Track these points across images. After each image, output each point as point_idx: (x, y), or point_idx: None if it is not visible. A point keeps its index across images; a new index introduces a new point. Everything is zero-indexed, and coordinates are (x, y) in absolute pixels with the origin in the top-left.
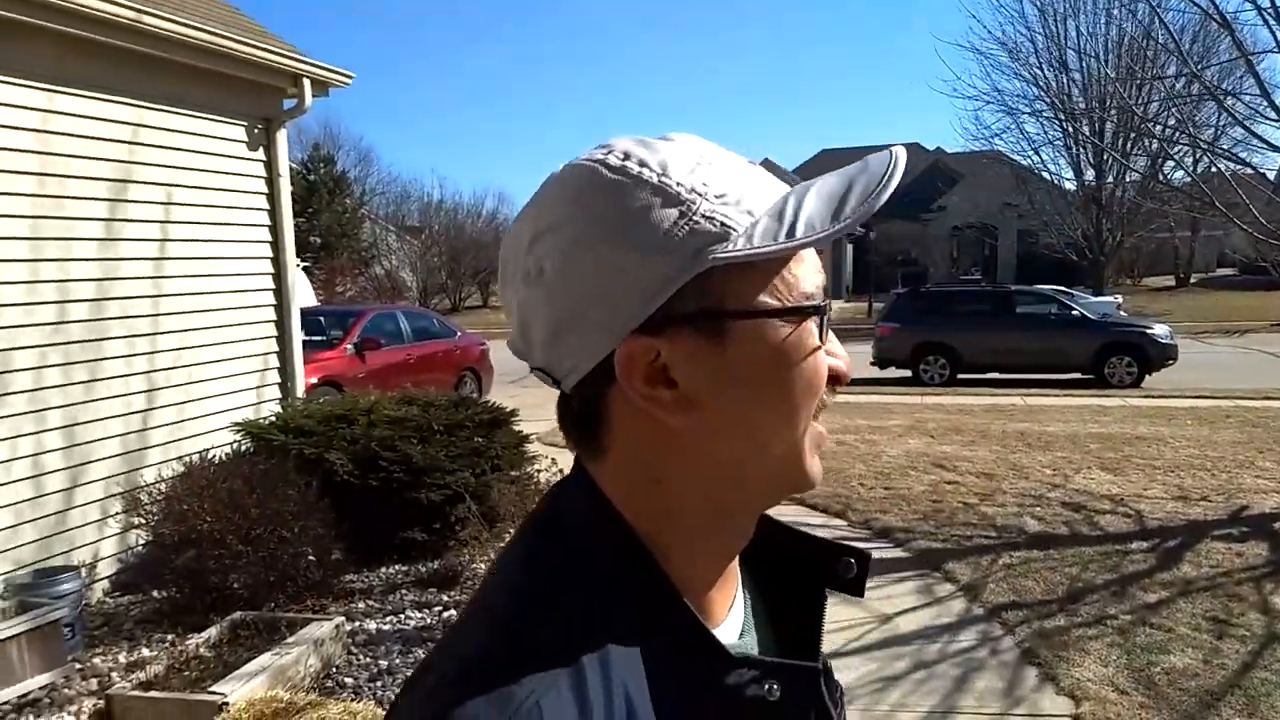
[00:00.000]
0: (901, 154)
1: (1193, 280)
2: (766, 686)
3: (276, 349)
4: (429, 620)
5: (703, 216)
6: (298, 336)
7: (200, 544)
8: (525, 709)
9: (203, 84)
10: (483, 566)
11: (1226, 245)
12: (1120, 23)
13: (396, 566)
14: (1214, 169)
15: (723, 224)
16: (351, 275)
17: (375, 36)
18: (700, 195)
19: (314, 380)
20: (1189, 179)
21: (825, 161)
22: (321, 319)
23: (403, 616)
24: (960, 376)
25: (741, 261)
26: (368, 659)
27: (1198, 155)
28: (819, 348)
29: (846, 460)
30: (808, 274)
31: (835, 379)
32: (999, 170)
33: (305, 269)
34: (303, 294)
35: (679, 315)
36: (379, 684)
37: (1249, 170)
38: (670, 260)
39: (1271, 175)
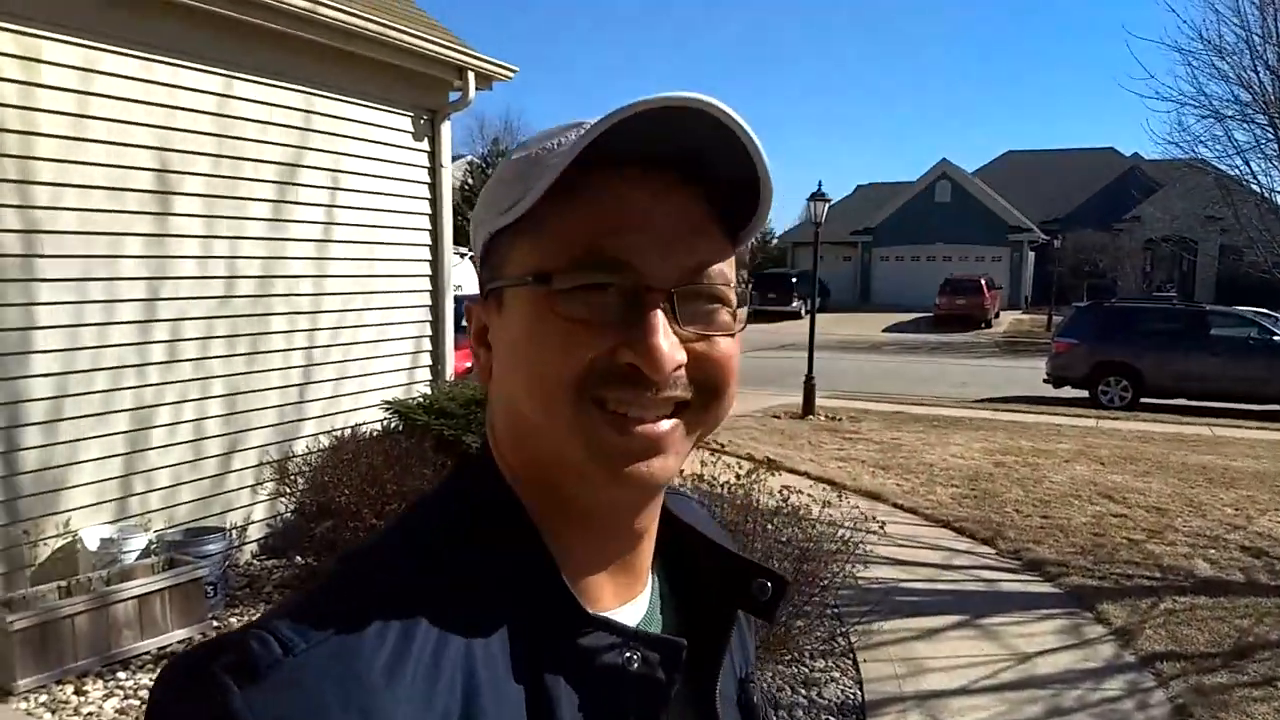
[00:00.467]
0: (662, 98)
1: None
2: (625, 656)
3: (430, 333)
4: None
5: (503, 194)
6: (450, 322)
7: (338, 515)
8: (345, 632)
9: (372, 74)
10: None
11: None
12: None
13: None
14: None
15: (511, 198)
16: None
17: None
18: (520, 174)
19: (469, 365)
20: None
21: (1011, 163)
22: None
23: None
24: (1143, 401)
25: (511, 234)
26: None
27: None
28: (572, 322)
29: (1003, 483)
30: (583, 236)
31: (639, 372)
32: (1201, 180)
33: (474, 259)
34: (469, 283)
35: (483, 283)
36: None
37: None
38: (480, 231)
39: None
